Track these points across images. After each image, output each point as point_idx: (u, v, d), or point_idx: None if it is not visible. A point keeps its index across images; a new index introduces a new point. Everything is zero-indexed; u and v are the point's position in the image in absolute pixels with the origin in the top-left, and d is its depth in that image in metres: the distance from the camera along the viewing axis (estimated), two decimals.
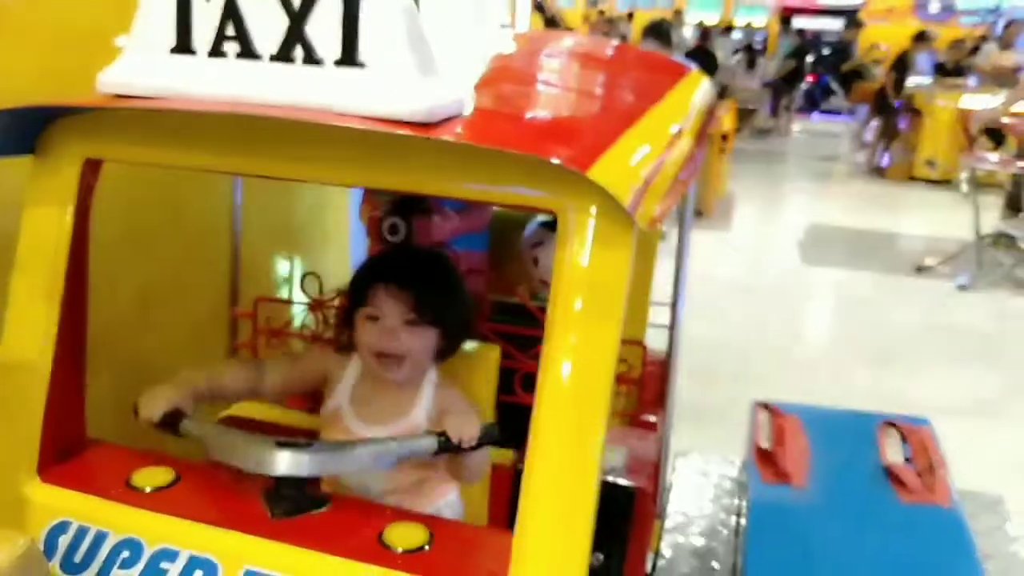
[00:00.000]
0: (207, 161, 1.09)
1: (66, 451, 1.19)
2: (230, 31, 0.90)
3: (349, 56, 0.88)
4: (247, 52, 0.90)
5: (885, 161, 9.45)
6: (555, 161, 0.87)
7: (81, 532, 1.09)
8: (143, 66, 0.94)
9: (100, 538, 1.08)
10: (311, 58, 0.89)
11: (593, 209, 0.94)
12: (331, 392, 1.43)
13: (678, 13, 14.22)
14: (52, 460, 1.16)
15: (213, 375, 1.37)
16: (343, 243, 2.72)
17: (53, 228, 1.14)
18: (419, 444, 1.24)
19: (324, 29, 0.88)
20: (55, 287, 1.14)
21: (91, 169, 1.15)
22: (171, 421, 1.21)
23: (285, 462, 1.07)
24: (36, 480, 1.14)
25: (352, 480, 1.36)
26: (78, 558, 1.08)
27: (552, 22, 9.38)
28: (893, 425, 2.10)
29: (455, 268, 1.51)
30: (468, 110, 0.99)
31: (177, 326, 1.93)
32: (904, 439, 2.06)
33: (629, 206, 0.89)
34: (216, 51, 0.91)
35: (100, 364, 1.66)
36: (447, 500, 1.44)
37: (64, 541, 1.09)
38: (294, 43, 0.89)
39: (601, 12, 13.87)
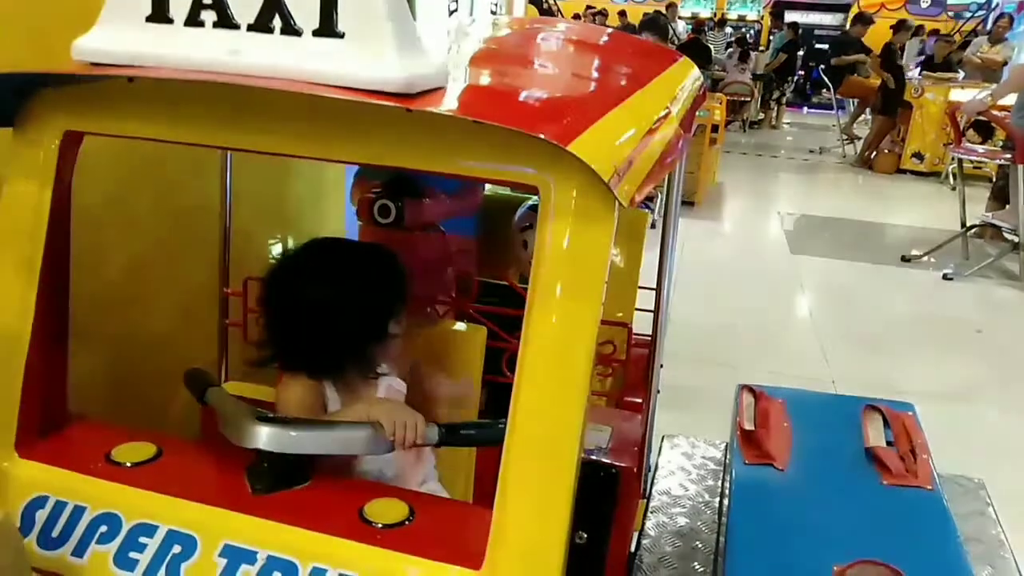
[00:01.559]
0: (186, 134, 1.08)
1: (46, 426, 1.18)
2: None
3: (327, 26, 0.87)
4: (224, 21, 0.90)
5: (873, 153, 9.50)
6: (536, 135, 0.87)
7: (58, 507, 1.09)
8: (118, 34, 0.93)
9: (78, 513, 1.08)
10: (289, 28, 0.88)
11: (574, 185, 0.93)
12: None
13: (672, 6, 14.21)
14: (31, 435, 1.16)
15: None
16: (339, 226, 2.71)
17: (33, 202, 1.13)
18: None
19: None
20: (34, 263, 1.13)
21: (71, 142, 1.14)
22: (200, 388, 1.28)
23: (264, 436, 1.07)
24: (14, 455, 1.13)
25: (370, 466, 1.34)
26: (55, 533, 1.07)
27: (548, 13, 9.36)
28: (876, 409, 2.11)
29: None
30: (450, 84, 0.99)
31: (168, 304, 1.92)
32: (887, 423, 2.07)
33: (610, 182, 0.89)
34: (193, 20, 0.90)
35: (90, 341, 1.66)
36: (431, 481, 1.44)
37: (41, 516, 1.09)
38: (272, 12, 0.88)
39: (592, 8, 13.85)
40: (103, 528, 1.07)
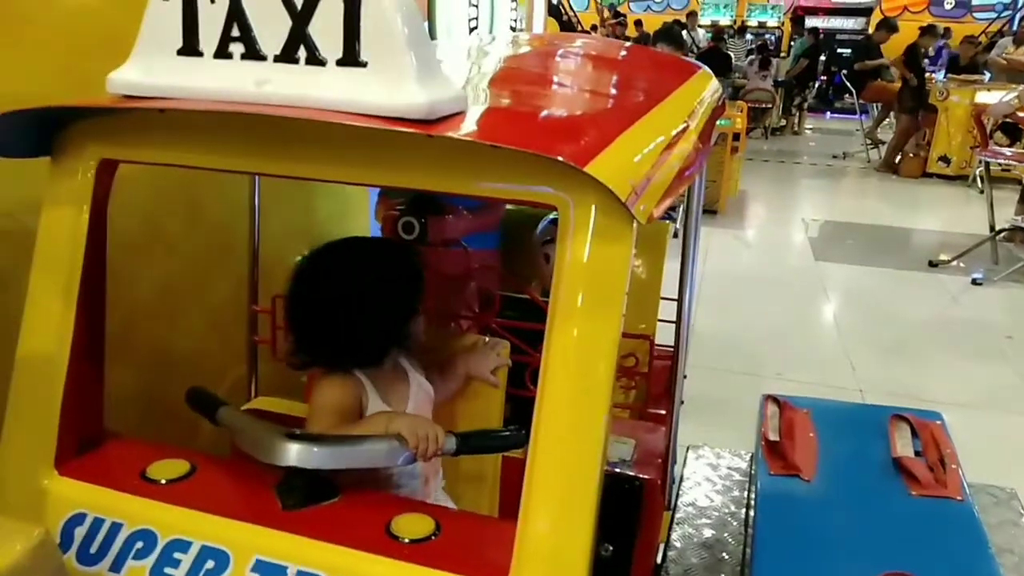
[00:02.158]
0: (216, 161, 1.12)
1: (83, 444, 1.22)
2: (235, 32, 0.92)
3: (350, 55, 0.90)
4: (252, 53, 0.93)
5: (898, 157, 9.39)
6: (554, 157, 0.89)
7: (96, 524, 1.12)
8: (150, 67, 0.97)
9: (115, 529, 1.11)
10: (314, 58, 0.91)
11: (592, 204, 0.95)
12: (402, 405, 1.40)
13: (692, 15, 14.22)
14: (69, 453, 1.19)
15: None
16: None
17: (70, 228, 1.17)
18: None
19: (326, 29, 0.91)
20: (72, 285, 1.17)
21: (106, 170, 1.18)
22: (211, 408, 1.26)
23: (294, 454, 1.10)
24: (53, 473, 1.17)
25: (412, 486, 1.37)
26: (93, 549, 1.10)
27: (568, 26, 9.40)
28: (904, 418, 2.09)
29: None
30: (470, 108, 1.01)
31: (198, 322, 1.96)
32: (915, 432, 2.04)
33: (628, 200, 0.91)
34: (222, 52, 0.94)
35: (124, 359, 1.70)
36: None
37: (80, 533, 1.12)
38: (297, 43, 0.91)
39: (612, 13, 13.90)
40: (139, 544, 1.10)
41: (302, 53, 0.92)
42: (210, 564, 1.07)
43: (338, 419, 1.27)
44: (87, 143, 1.16)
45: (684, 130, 1.36)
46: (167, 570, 1.07)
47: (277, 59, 0.93)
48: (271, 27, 0.92)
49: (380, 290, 1.32)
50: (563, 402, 0.97)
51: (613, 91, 1.50)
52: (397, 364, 1.42)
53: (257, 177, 1.81)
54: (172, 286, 1.90)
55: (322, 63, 0.92)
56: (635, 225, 0.95)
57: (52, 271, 1.18)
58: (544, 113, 1.14)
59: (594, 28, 12.86)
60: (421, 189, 1.00)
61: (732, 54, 11.69)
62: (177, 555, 1.08)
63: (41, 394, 1.17)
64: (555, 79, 1.48)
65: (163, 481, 1.16)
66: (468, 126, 0.95)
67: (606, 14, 14.26)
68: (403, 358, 1.43)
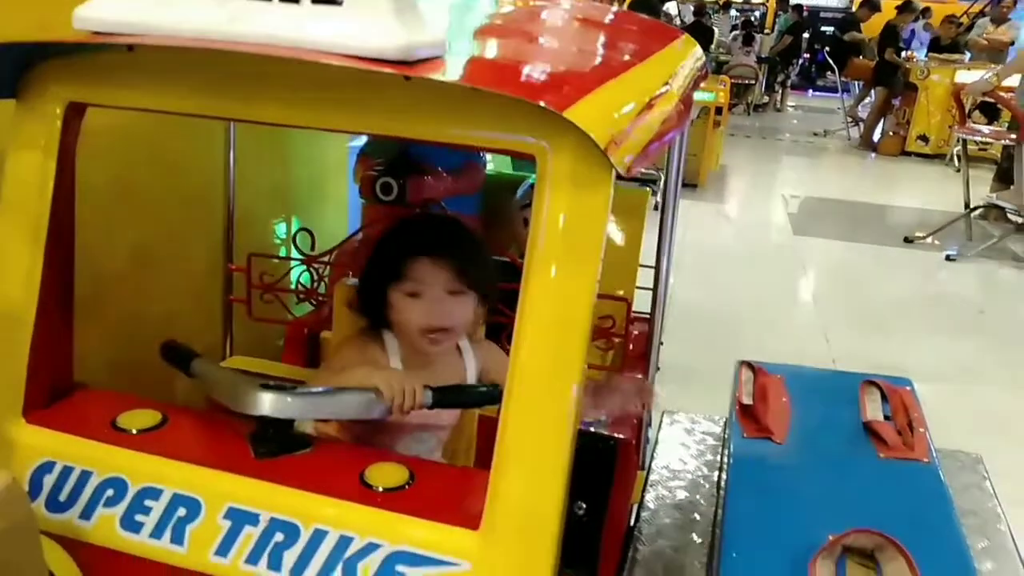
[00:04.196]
0: (186, 104, 1.09)
1: (52, 394, 1.21)
2: None
3: None
4: None
5: (878, 135, 9.45)
6: (534, 102, 0.87)
7: (66, 472, 1.11)
8: (118, 3, 0.94)
9: (84, 478, 1.10)
10: None
11: (571, 152, 0.94)
12: None
13: None
14: (38, 402, 1.18)
15: None
16: (342, 204, 2.73)
17: (36, 173, 1.14)
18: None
19: None
20: (40, 232, 1.15)
21: (74, 113, 1.15)
22: (184, 361, 1.25)
23: (267, 403, 1.09)
24: (22, 422, 1.15)
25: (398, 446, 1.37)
26: (63, 497, 1.10)
27: None
28: (875, 384, 2.12)
29: (478, 233, 1.48)
30: (450, 54, 0.99)
31: (173, 281, 1.94)
32: (885, 398, 2.08)
33: (607, 149, 0.90)
34: None
35: (97, 319, 1.67)
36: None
37: (49, 481, 1.11)
38: None
39: None
40: (109, 492, 1.09)
41: None
42: (182, 512, 1.06)
43: (340, 378, 1.24)
44: (54, 85, 1.13)
45: (665, 91, 1.35)
46: (138, 517, 1.07)
47: None
48: None
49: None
50: (537, 353, 0.97)
51: (596, 48, 1.49)
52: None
53: (233, 135, 1.78)
54: (146, 245, 1.87)
55: (296, 1, 0.89)
56: (614, 175, 0.94)
57: (18, 217, 1.15)
58: (525, 63, 1.13)
59: None
60: (397, 136, 0.98)
61: (716, 29, 11.64)
62: (148, 503, 1.08)
63: (8, 341, 1.15)
64: (538, 34, 1.46)
65: (134, 431, 1.15)
66: (447, 70, 0.93)
67: None
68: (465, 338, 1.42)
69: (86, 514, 1.09)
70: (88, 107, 1.15)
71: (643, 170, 1.20)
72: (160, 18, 0.94)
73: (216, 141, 1.76)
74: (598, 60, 1.33)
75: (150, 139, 1.76)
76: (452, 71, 0.94)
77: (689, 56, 1.82)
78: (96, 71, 1.11)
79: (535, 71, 1.05)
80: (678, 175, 1.81)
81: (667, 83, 1.40)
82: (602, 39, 1.67)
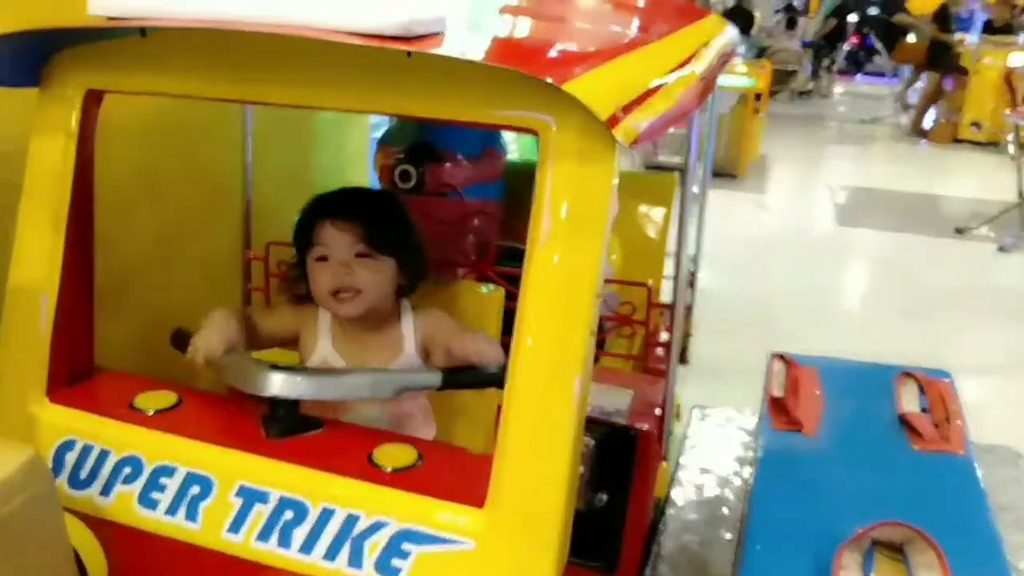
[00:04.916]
0: (199, 88, 1.11)
1: (74, 375, 1.24)
2: None
3: None
4: None
5: (928, 123, 9.15)
6: (533, 75, 0.86)
7: (86, 450, 1.14)
8: None
9: (104, 456, 1.13)
10: None
11: (574, 126, 0.93)
12: (312, 347, 1.40)
13: None
14: (61, 383, 1.21)
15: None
16: None
17: (57, 158, 1.18)
18: (422, 378, 1.26)
19: None
20: (60, 216, 1.18)
21: (93, 100, 1.18)
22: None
23: (278, 384, 1.10)
24: (45, 401, 1.19)
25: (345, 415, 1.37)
26: (83, 474, 1.13)
27: None
28: (911, 376, 2.06)
29: (402, 203, 1.45)
30: (452, 30, 0.98)
31: (193, 269, 1.97)
32: (922, 390, 2.02)
33: (608, 121, 0.88)
34: None
35: (120, 304, 1.71)
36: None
37: (71, 458, 1.14)
38: None
39: None
40: (127, 470, 1.12)
41: None
42: (195, 489, 1.08)
43: (266, 314, 1.43)
44: (73, 72, 1.16)
45: (683, 66, 1.32)
46: (154, 495, 1.09)
47: None
48: None
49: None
50: (540, 329, 0.96)
51: (612, 25, 1.46)
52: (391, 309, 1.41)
53: (250, 123, 1.80)
54: (166, 234, 1.90)
55: None
56: (617, 148, 0.92)
57: (40, 202, 1.19)
58: (531, 38, 1.12)
59: None
60: (402, 114, 0.98)
61: (758, 13, 11.37)
62: (163, 480, 1.10)
63: (31, 323, 1.19)
64: (555, 11, 1.44)
65: (151, 411, 1.18)
66: (448, 45, 0.93)
67: None
68: (405, 306, 1.42)
69: (106, 491, 1.12)
70: (106, 93, 1.18)
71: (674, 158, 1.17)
72: (171, 3, 0.96)
73: (236, 130, 1.79)
74: (614, 36, 1.30)
75: (170, 128, 1.79)
76: (452, 46, 0.93)
77: (715, 36, 1.78)
78: (112, 58, 1.14)
79: (540, 46, 1.03)
80: (700, 159, 1.77)
81: (686, 61, 1.37)
82: (623, 17, 1.64)
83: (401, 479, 1.05)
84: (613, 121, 0.88)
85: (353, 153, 2.67)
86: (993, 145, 8.43)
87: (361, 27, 0.89)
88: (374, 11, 0.89)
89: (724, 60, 1.81)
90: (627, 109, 0.93)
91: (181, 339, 1.29)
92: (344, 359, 1.38)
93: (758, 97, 6.58)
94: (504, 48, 1.03)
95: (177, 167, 1.90)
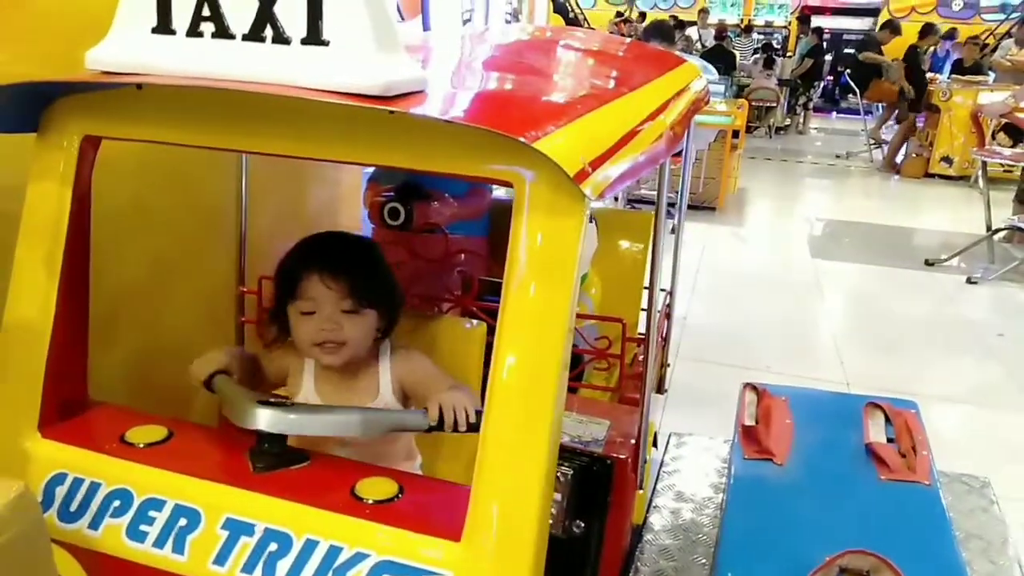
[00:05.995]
0: (191, 137, 1.17)
1: (67, 410, 1.27)
2: (206, 12, 0.97)
3: (314, 35, 0.95)
4: (221, 32, 0.98)
5: (900, 157, 9.39)
6: (503, 134, 0.93)
7: (76, 483, 1.17)
8: (126, 45, 1.02)
9: (94, 489, 1.16)
10: (280, 37, 0.96)
11: (544, 180, 0.99)
12: (298, 387, 1.44)
13: (703, 12, 14.26)
14: (53, 417, 1.25)
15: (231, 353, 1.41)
16: (355, 229, 2.79)
17: (54, 201, 1.22)
18: (411, 420, 1.31)
19: (291, 9, 0.95)
20: (56, 257, 1.23)
21: (90, 145, 1.23)
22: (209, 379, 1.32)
23: (264, 418, 1.15)
24: (36, 435, 1.22)
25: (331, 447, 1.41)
26: (73, 507, 1.16)
27: (574, 23, 9.41)
28: (879, 407, 2.13)
29: (380, 250, 1.48)
30: (434, 88, 1.05)
31: (187, 302, 2.01)
32: (888, 420, 2.08)
33: (576, 176, 0.95)
34: (193, 31, 0.99)
35: (113, 335, 1.75)
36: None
37: (60, 492, 1.17)
38: (264, 23, 0.96)
39: (619, 15, 13.97)
40: (116, 503, 1.15)
41: (268, 32, 0.97)
42: (183, 522, 1.12)
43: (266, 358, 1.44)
44: (70, 119, 1.21)
45: (652, 117, 1.40)
46: (142, 527, 1.13)
47: (245, 38, 0.98)
48: (240, 7, 0.97)
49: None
50: (515, 366, 1.01)
51: (587, 79, 1.54)
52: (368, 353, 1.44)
53: (245, 160, 1.86)
54: (160, 267, 1.94)
55: (287, 42, 0.96)
56: (587, 201, 0.99)
57: (37, 243, 1.23)
58: (507, 95, 1.19)
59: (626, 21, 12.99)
60: (385, 165, 1.04)
61: (738, 52, 11.68)
62: (152, 513, 1.13)
63: (25, 360, 1.22)
64: (533, 66, 1.52)
65: (141, 445, 1.21)
66: (427, 104, 0.99)
67: (633, 13, 14.34)
68: (384, 348, 1.45)
69: (95, 524, 1.15)
70: (102, 140, 1.23)
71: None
72: (164, 59, 1.02)
73: (230, 165, 1.84)
74: (585, 90, 1.38)
75: (166, 162, 1.83)
76: (432, 105, 1.00)
77: (687, 84, 1.87)
78: (109, 107, 1.19)
79: (513, 103, 1.10)
80: (677, 200, 1.85)
81: (657, 111, 1.45)
82: (598, 69, 1.73)
83: (382, 512, 1.09)
84: (582, 176, 0.95)
85: (347, 189, 2.73)
86: (963, 179, 8.67)
87: (346, 87, 0.96)
88: (358, 72, 0.95)
89: (697, 108, 1.90)
90: (595, 164, 1.00)
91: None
92: (324, 401, 1.43)
93: (736, 134, 6.75)
94: (481, 106, 1.09)
95: (172, 201, 1.94)
